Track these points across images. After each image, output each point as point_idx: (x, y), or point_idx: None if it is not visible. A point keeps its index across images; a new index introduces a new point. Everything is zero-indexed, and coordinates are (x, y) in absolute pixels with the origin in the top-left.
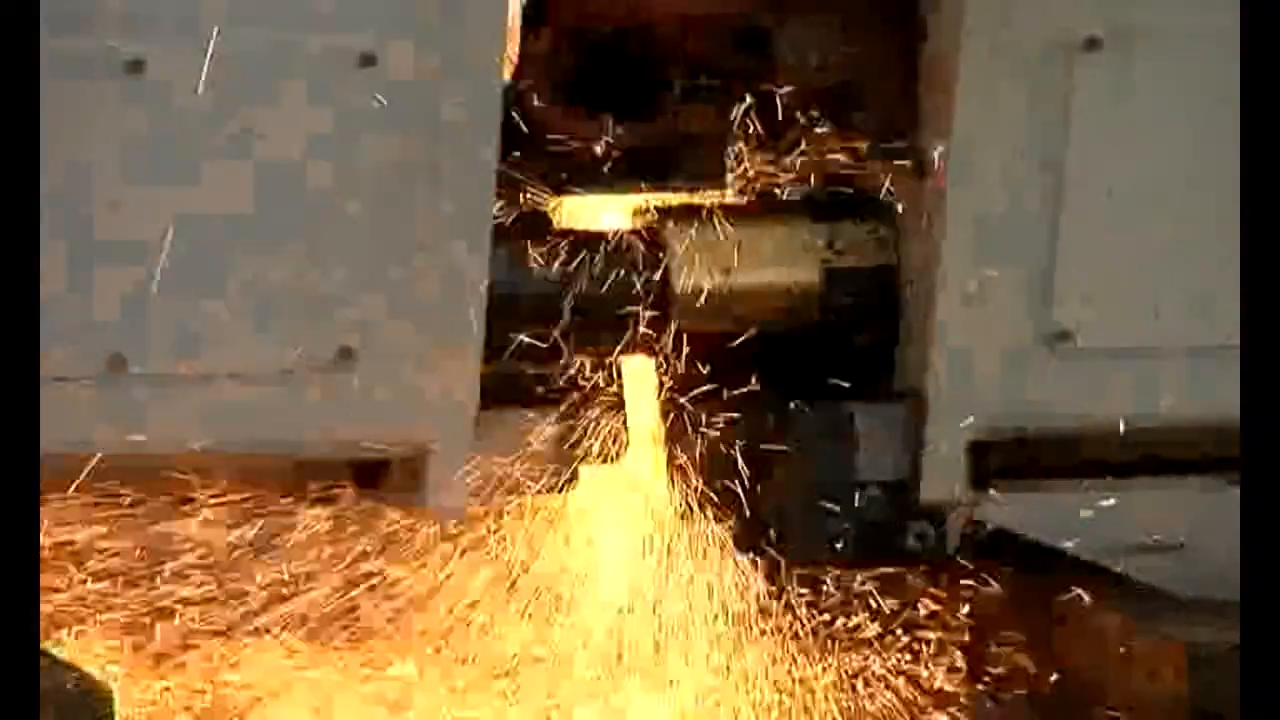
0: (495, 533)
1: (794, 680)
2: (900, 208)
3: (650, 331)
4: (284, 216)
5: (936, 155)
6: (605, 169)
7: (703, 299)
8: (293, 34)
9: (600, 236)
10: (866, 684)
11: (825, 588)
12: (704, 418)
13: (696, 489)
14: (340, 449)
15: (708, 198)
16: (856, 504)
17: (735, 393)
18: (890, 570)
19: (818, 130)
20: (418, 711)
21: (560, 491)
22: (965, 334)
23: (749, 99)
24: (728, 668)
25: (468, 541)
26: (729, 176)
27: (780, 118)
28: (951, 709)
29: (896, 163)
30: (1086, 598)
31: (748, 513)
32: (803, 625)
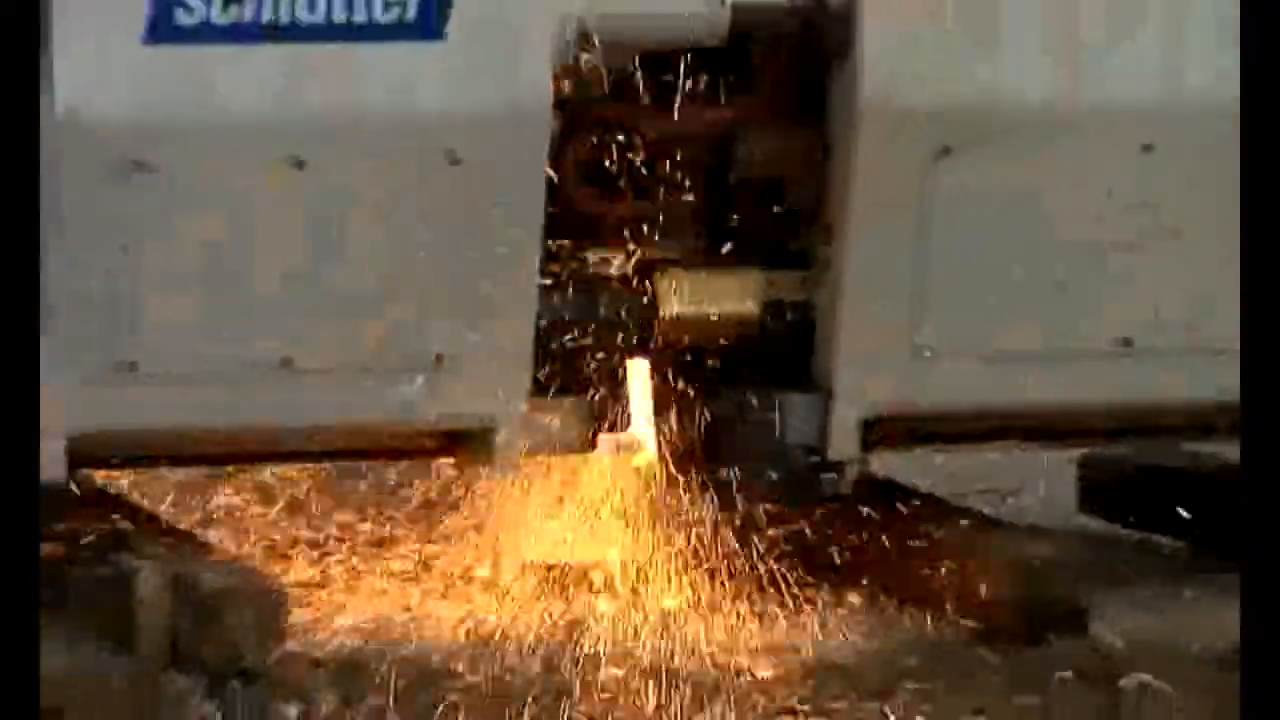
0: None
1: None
2: (817, 261)
3: (644, 343)
4: (394, 267)
5: (838, 226)
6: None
7: (680, 322)
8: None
9: (609, 277)
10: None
11: (760, 518)
12: (681, 401)
13: (676, 447)
14: (437, 426)
15: (683, 253)
16: (786, 459)
17: (703, 385)
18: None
19: (761, 207)
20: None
21: (584, 451)
22: (858, 347)
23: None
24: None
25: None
26: (699, 239)
27: (734, 198)
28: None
29: (815, 230)
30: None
31: (715, 466)
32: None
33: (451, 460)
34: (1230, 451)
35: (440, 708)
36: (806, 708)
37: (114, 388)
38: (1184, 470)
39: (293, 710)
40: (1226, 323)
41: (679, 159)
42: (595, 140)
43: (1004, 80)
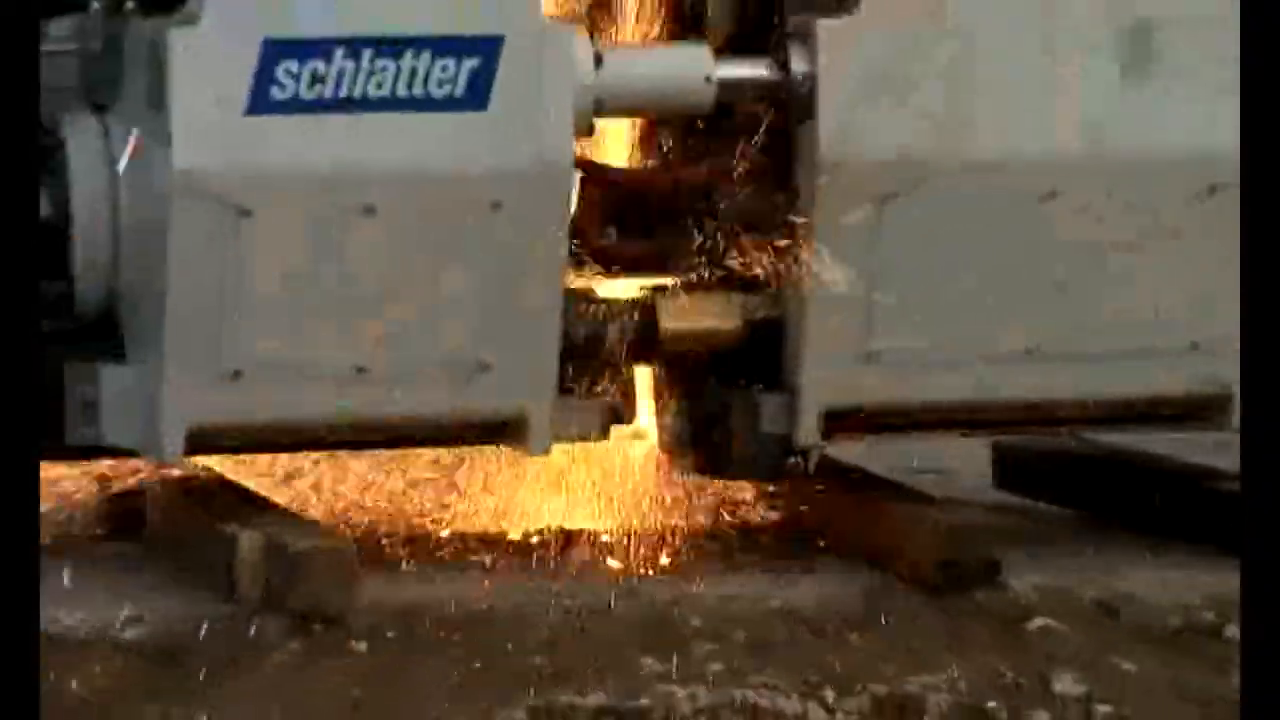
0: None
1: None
2: (787, 287)
3: (648, 353)
4: (447, 293)
5: (801, 259)
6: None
7: (676, 336)
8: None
9: (619, 300)
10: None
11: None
12: (677, 399)
13: (673, 436)
14: (482, 419)
15: (678, 280)
16: (761, 444)
17: (695, 386)
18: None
19: (744, 242)
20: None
21: (600, 440)
22: (819, 354)
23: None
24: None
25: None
26: (691, 268)
27: (719, 235)
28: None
29: (784, 259)
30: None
31: (703, 452)
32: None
33: (491, 443)
34: (1117, 439)
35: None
36: (770, 644)
37: (222, 392)
38: (1080, 453)
39: (361, 645)
40: (1111, 335)
41: (674, 204)
42: (608, 189)
43: (935, 139)
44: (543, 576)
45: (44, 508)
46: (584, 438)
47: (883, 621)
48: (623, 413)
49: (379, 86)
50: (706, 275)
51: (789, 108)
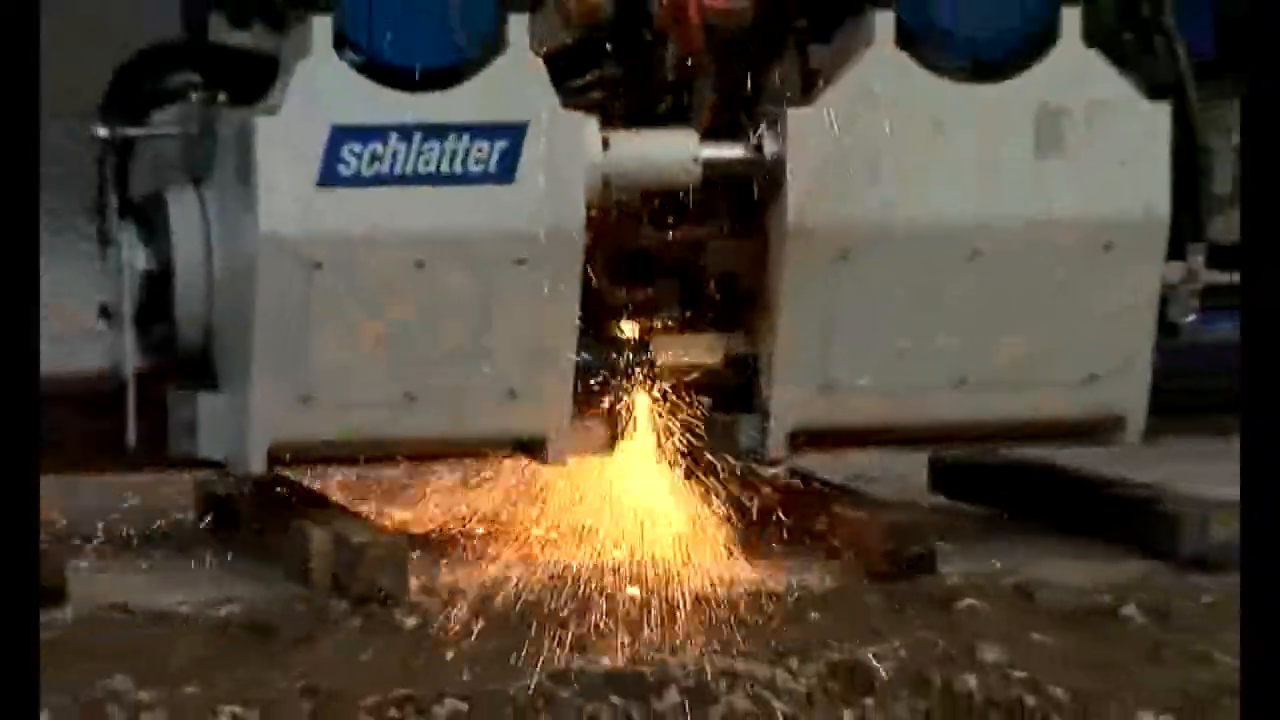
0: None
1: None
2: (759, 327)
3: (646, 383)
4: (481, 333)
5: (773, 304)
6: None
7: (669, 369)
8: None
9: (622, 338)
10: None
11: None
12: (672, 419)
13: (668, 449)
14: (510, 436)
15: (671, 322)
16: (739, 458)
17: (685, 410)
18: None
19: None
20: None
21: (606, 454)
22: (786, 383)
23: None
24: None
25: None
26: (681, 312)
27: (705, 286)
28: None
29: (758, 306)
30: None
31: (691, 464)
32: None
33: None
34: (1030, 452)
35: None
36: (745, 621)
37: (297, 414)
38: (1001, 463)
39: (412, 621)
40: (1025, 368)
41: (668, 260)
42: (613, 247)
43: (881, 209)
44: (561, 565)
45: (153, 508)
46: (593, 453)
47: (838, 602)
48: (625, 432)
49: (426, 164)
50: (694, 318)
51: (763, 185)
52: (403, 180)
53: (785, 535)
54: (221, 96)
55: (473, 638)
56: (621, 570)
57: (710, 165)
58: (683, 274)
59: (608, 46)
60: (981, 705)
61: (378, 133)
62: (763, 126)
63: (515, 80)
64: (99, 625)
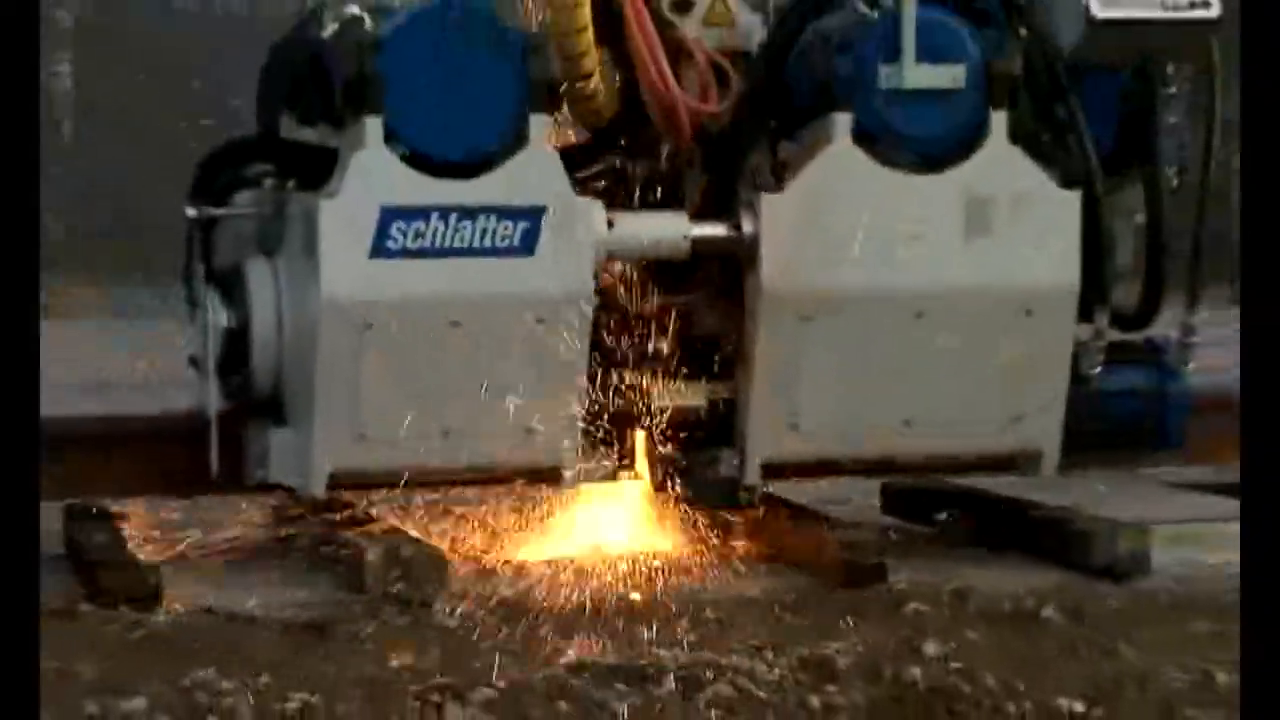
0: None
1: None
2: (738, 376)
3: (642, 422)
4: (506, 380)
5: (749, 358)
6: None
7: (663, 410)
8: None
9: (623, 386)
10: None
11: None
12: (664, 454)
13: (660, 479)
14: (528, 467)
15: (665, 372)
16: (719, 485)
17: (676, 445)
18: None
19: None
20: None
21: (610, 482)
22: (759, 423)
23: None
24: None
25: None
26: (674, 364)
27: (693, 343)
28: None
29: (737, 360)
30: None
31: (682, 490)
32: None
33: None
34: (966, 480)
35: None
36: (726, 621)
37: (352, 448)
38: (942, 489)
39: (450, 622)
40: (962, 410)
41: (662, 321)
42: (615, 310)
43: (841, 278)
44: (572, 577)
45: (232, 526)
46: (599, 480)
47: (804, 606)
48: (626, 463)
49: (460, 239)
50: (684, 368)
51: (742, 258)
52: (441, 253)
53: (759, 550)
54: (290, 183)
55: (501, 635)
56: (624, 579)
57: (698, 242)
58: (675, 333)
59: (611, 142)
60: (925, 693)
61: (420, 213)
62: (741, 210)
63: (535, 170)
64: (188, 625)
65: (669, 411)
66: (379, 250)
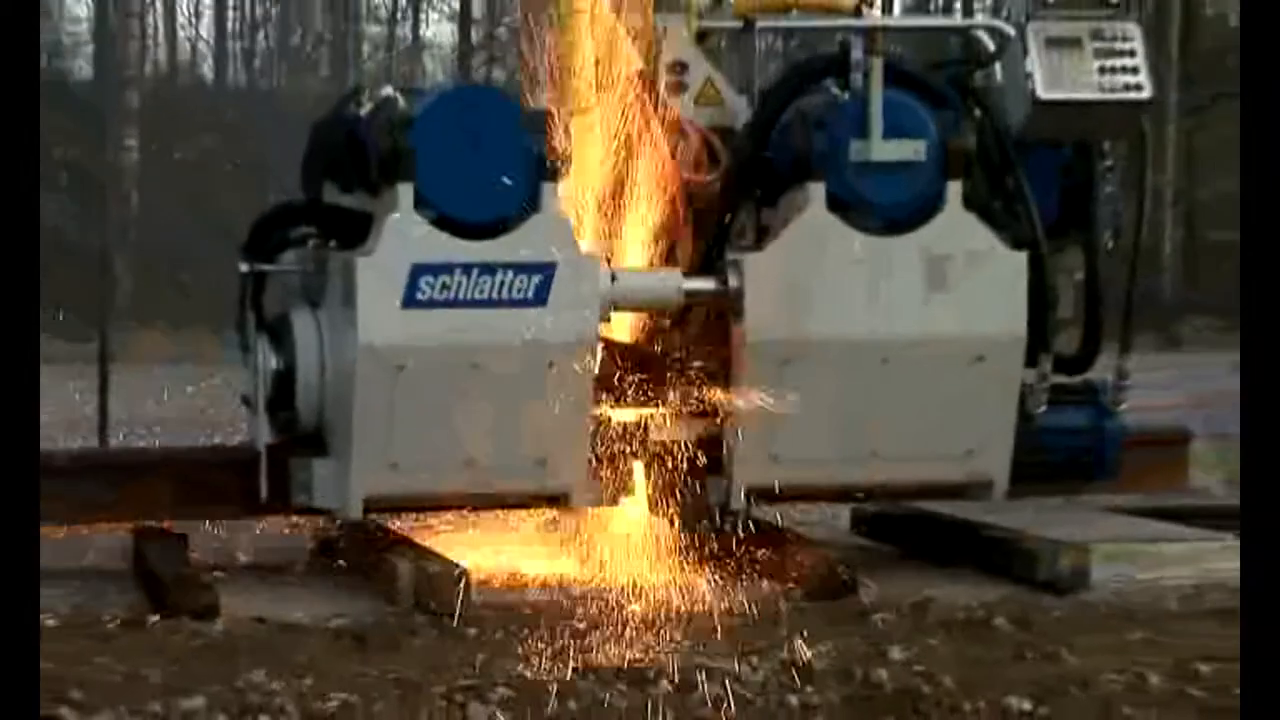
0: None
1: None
2: (725, 414)
3: (642, 454)
4: (523, 416)
5: (735, 397)
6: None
7: (660, 444)
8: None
9: (625, 422)
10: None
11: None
12: (660, 482)
13: (657, 504)
14: (542, 492)
15: (662, 410)
16: (708, 513)
17: (672, 474)
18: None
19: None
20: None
21: (613, 506)
22: (743, 455)
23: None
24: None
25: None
26: (669, 404)
27: (686, 385)
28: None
29: (724, 400)
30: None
31: (676, 513)
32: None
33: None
34: (924, 505)
35: None
36: (714, 628)
37: (385, 475)
38: (904, 513)
39: (472, 631)
40: (921, 444)
41: (658, 367)
42: (617, 356)
43: (814, 327)
44: (580, 588)
45: (280, 545)
46: (604, 504)
47: (785, 615)
48: (627, 490)
49: (482, 292)
50: (678, 407)
51: (728, 308)
52: (464, 304)
53: (744, 566)
54: (332, 243)
55: (517, 642)
56: (623, 592)
57: (690, 295)
58: (668, 377)
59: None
60: (891, 693)
61: (446, 269)
62: (728, 267)
63: (547, 232)
64: (242, 634)
65: (665, 445)
66: (410, 301)
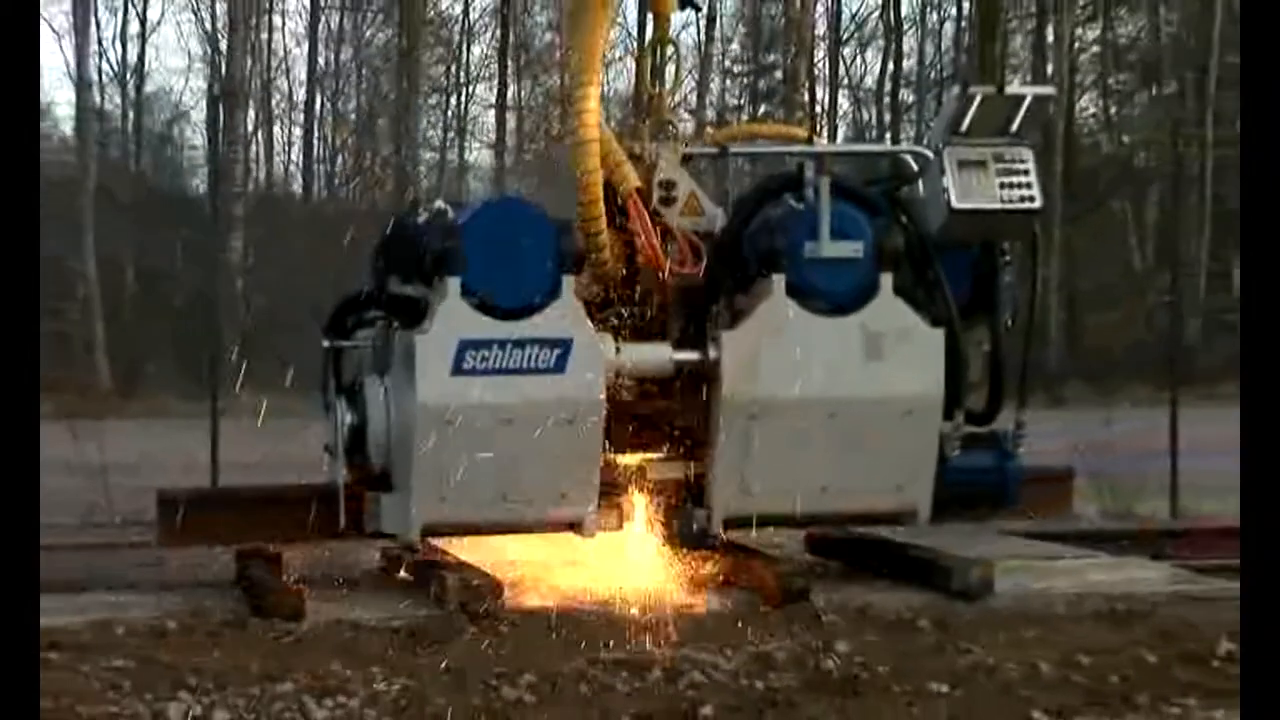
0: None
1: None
2: (707, 457)
3: (639, 490)
4: (544, 460)
5: (713, 443)
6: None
7: (656, 482)
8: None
9: (629, 466)
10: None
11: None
12: (655, 512)
13: (653, 530)
14: (561, 520)
15: (655, 455)
16: (693, 536)
17: (664, 505)
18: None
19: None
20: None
21: (617, 531)
22: (721, 489)
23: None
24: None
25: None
26: (659, 450)
27: (674, 436)
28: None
29: (704, 444)
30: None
31: (665, 537)
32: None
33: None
34: (864, 529)
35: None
36: (692, 628)
37: (437, 507)
38: (849, 536)
39: (505, 629)
40: (861, 480)
41: (657, 420)
42: (619, 410)
43: (777, 389)
44: (586, 596)
45: (354, 563)
46: (610, 530)
47: (750, 618)
48: (629, 517)
49: (514, 362)
50: (668, 453)
51: (709, 375)
52: (500, 372)
53: (721, 578)
54: (395, 323)
55: (546, 639)
56: (625, 598)
57: (678, 364)
58: (662, 428)
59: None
60: (838, 678)
61: (486, 344)
62: (709, 342)
63: (565, 314)
64: (323, 632)
65: (659, 483)
66: (457, 370)
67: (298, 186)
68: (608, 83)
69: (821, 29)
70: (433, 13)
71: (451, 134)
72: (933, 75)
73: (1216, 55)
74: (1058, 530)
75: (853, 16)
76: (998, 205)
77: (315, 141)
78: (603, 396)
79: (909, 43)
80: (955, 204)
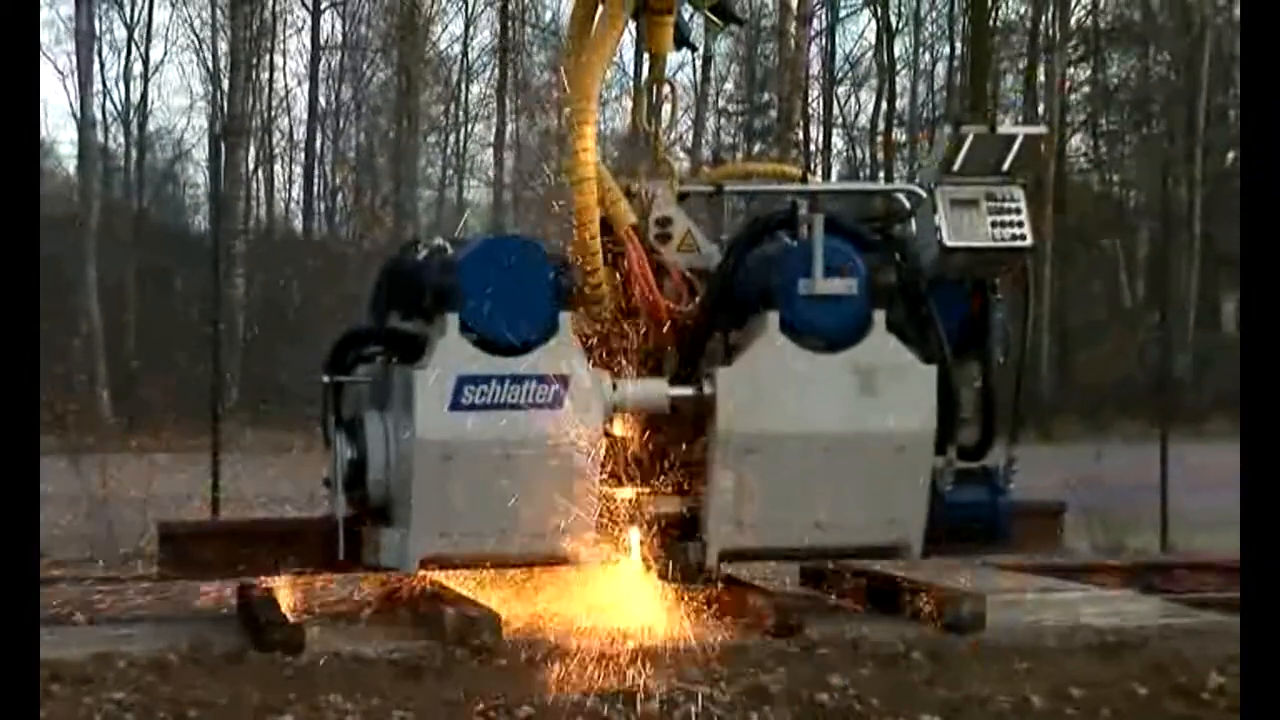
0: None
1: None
2: (703, 491)
3: (637, 524)
4: (544, 493)
5: (709, 477)
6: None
7: (652, 516)
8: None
9: (625, 498)
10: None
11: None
12: (652, 546)
13: (650, 562)
14: (560, 553)
15: (650, 490)
16: (687, 569)
17: (661, 540)
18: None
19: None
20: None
21: (613, 563)
22: (715, 523)
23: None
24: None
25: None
26: (655, 484)
27: (668, 469)
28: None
29: (699, 480)
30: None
31: (662, 569)
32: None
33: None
34: (858, 563)
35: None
36: (689, 660)
37: (437, 541)
38: (840, 569)
39: (502, 661)
40: (854, 514)
41: (653, 455)
42: (617, 444)
43: (770, 424)
44: (587, 629)
45: (353, 595)
46: (605, 562)
47: (746, 650)
48: (625, 551)
49: (512, 398)
50: (664, 486)
51: (704, 411)
52: (498, 407)
53: (716, 610)
54: (394, 359)
55: (541, 671)
56: (621, 631)
57: (674, 399)
58: (657, 461)
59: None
60: (831, 710)
61: (484, 379)
62: (704, 378)
63: (563, 350)
64: (322, 665)
65: (656, 518)
66: (456, 405)
67: (298, 224)
68: (604, 121)
69: (816, 69)
70: (432, 52)
71: (450, 172)
72: (925, 115)
73: (1205, 95)
74: (1048, 564)
75: (846, 56)
76: (989, 243)
77: (315, 179)
78: (599, 432)
79: (902, 82)
80: (947, 242)
